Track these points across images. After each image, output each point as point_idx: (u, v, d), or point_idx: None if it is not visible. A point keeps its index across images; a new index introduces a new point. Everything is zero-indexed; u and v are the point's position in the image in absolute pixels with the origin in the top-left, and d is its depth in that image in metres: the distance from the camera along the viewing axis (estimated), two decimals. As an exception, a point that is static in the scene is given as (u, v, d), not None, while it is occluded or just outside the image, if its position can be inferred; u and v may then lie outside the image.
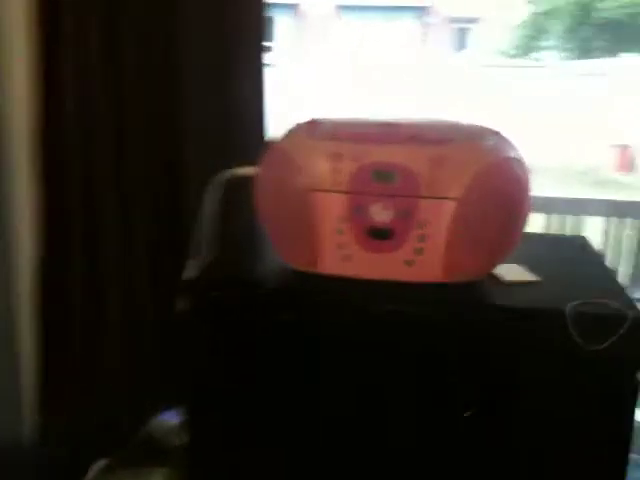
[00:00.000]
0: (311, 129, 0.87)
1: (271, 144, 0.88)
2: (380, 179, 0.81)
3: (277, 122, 1.17)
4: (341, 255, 0.84)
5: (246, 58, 1.16)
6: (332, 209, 0.83)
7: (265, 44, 1.20)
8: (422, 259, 0.83)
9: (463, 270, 0.84)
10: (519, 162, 0.83)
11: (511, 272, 0.88)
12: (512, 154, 0.83)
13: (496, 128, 0.87)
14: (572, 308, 0.79)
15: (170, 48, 1.07)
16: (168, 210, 1.09)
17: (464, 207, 0.80)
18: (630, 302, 0.81)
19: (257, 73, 1.18)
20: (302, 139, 0.86)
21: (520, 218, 0.83)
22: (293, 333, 0.86)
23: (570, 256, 1.00)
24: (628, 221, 1.76)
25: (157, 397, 1.17)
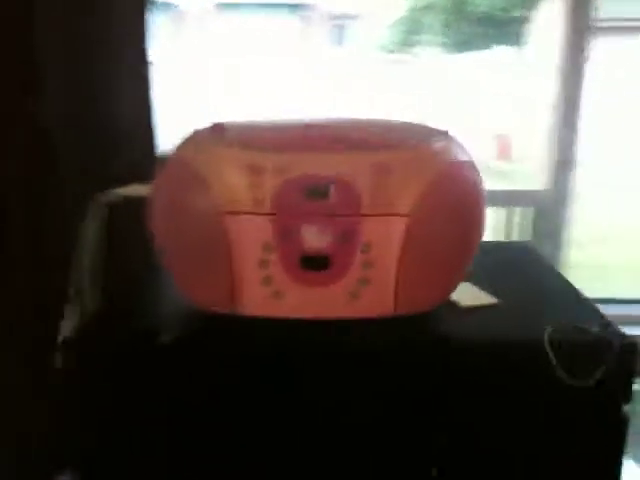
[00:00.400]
0: (217, 135, 0.69)
1: (168, 156, 0.69)
2: (312, 195, 0.64)
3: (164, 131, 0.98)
4: (267, 292, 0.67)
5: (128, 59, 0.96)
6: (252, 235, 0.65)
7: (147, 44, 1.00)
8: (368, 290, 0.67)
9: (417, 299, 0.69)
10: (472, 166, 0.69)
11: (466, 294, 0.74)
12: (464, 157, 0.69)
13: (441, 126, 0.73)
14: (550, 335, 0.66)
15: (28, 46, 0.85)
16: (37, 245, 0.87)
17: (416, 224, 0.65)
18: (608, 324, 0.70)
19: (141, 76, 0.98)
20: (208, 147, 0.67)
21: (477, 230, 0.69)
22: (205, 393, 0.68)
23: (520, 267, 0.89)
24: (517, 210, 1.70)
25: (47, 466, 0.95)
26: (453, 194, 0.67)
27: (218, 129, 0.69)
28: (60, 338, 0.73)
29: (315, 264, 0.66)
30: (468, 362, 0.68)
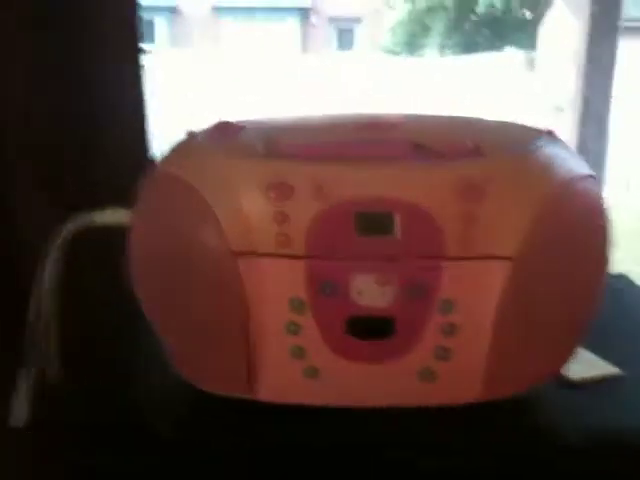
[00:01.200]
0: (225, 138, 0.47)
1: (155, 167, 0.47)
2: (368, 230, 0.43)
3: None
4: (297, 369, 0.45)
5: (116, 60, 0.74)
6: (277, 287, 0.44)
7: (140, 45, 0.78)
8: (448, 367, 0.45)
9: (518, 378, 0.47)
10: (594, 181, 0.48)
11: (576, 363, 0.52)
12: (582, 168, 0.47)
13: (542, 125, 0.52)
14: None
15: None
16: None
17: (522, 269, 0.43)
18: None
19: (133, 77, 0.76)
20: (211, 158, 0.46)
21: (603, 274, 0.48)
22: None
23: (632, 312, 0.67)
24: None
25: None
26: (574, 224, 0.45)
27: (225, 130, 0.48)
28: (11, 419, 0.52)
29: (370, 330, 0.44)
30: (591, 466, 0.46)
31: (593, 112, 1.05)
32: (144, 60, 0.77)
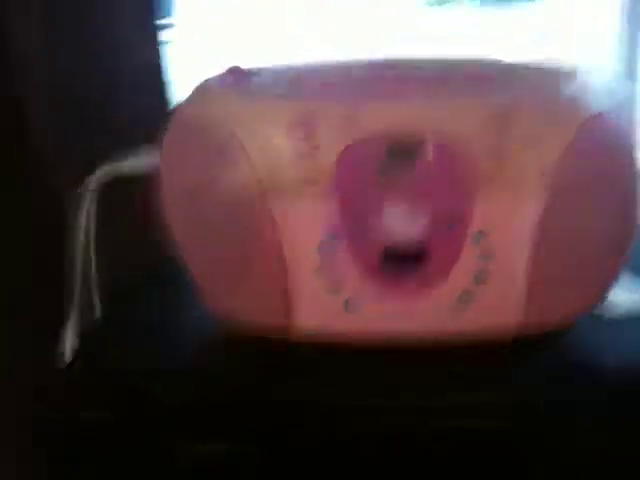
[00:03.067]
0: (242, 82, 0.47)
1: (178, 110, 0.47)
2: (400, 160, 0.43)
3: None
4: (334, 303, 0.46)
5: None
6: (310, 222, 0.44)
7: None
8: (488, 290, 0.45)
9: (556, 309, 0.47)
10: (624, 112, 0.47)
11: (615, 297, 0.52)
12: (614, 101, 0.46)
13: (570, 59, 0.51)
14: None
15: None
16: (14, 238, 0.65)
17: (557, 199, 0.43)
18: None
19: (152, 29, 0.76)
20: (233, 99, 0.45)
21: (638, 208, 0.47)
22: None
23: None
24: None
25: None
26: (607, 154, 0.44)
27: (239, 75, 0.47)
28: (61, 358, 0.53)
29: (404, 262, 0.44)
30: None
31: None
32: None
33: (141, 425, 0.48)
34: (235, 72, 0.49)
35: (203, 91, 0.48)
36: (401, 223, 0.43)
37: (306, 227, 0.44)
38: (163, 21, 0.82)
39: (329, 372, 0.47)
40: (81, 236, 0.55)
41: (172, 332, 0.53)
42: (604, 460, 0.46)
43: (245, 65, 0.51)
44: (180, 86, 0.76)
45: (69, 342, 0.51)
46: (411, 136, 0.42)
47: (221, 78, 0.49)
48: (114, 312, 0.56)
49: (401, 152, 0.43)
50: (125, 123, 0.68)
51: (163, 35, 0.78)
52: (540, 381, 0.46)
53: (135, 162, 0.52)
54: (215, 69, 0.51)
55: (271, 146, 0.43)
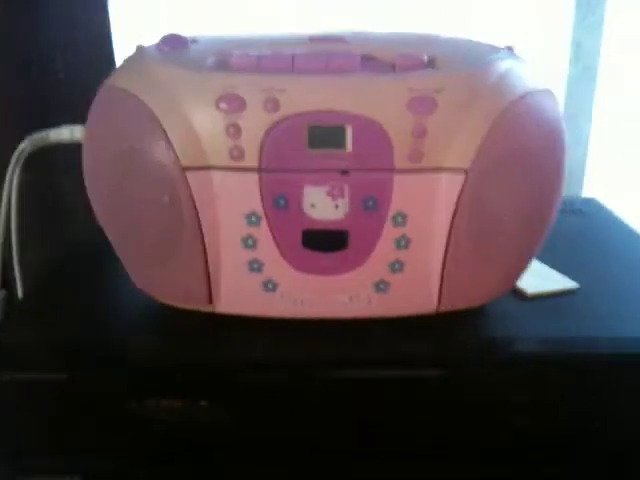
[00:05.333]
0: (175, 52, 0.46)
1: (103, 83, 0.47)
2: (320, 142, 0.43)
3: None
4: (254, 282, 0.46)
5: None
6: (231, 201, 0.44)
7: None
8: (402, 278, 0.46)
9: (471, 290, 0.48)
10: (551, 97, 0.47)
11: (533, 278, 0.53)
12: (538, 84, 0.47)
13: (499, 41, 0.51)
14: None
15: None
16: None
17: (474, 182, 0.44)
18: None
19: None
20: (159, 70, 0.45)
21: (558, 190, 0.48)
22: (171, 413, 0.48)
23: (596, 233, 0.67)
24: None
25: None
26: (527, 139, 0.45)
27: (173, 43, 0.47)
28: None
29: (324, 242, 0.45)
30: (544, 378, 0.48)
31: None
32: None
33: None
34: (171, 40, 0.48)
35: (132, 61, 0.47)
36: (321, 206, 0.44)
37: (228, 203, 0.44)
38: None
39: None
40: (11, 207, 0.55)
41: (101, 309, 0.53)
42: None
43: (185, 33, 0.50)
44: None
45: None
46: (333, 118, 0.42)
47: (156, 47, 0.48)
48: (41, 287, 0.55)
49: (325, 134, 0.43)
50: (62, 92, 0.67)
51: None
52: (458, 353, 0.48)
53: (64, 133, 0.51)
54: (154, 36, 0.50)
55: (195, 120, 0.43)
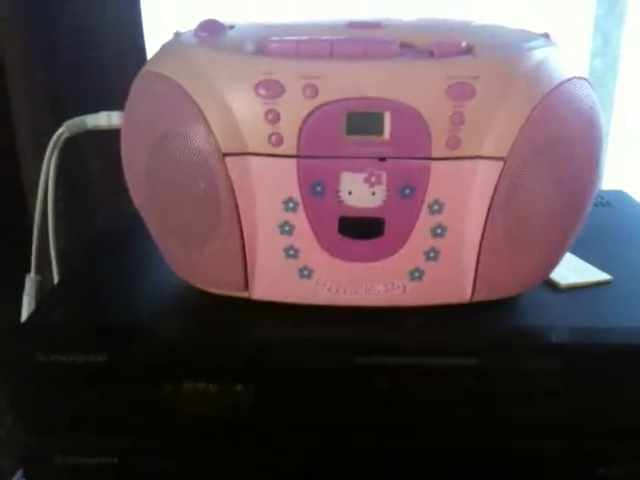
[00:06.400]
0: (212, 37, 0.47)
1: (141, 69, 0.47)
2: (357, 129, 0.43)
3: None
4: (291, 268, 0.47)
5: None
6: (268, 187, 0.45)
7: None
8: (437, 267, 0.46)
9: (506, 280, 0.48)
10: (588, 85, 0.47)
11: (566, 269, 0.53)
12: (576, 72, 0.47)
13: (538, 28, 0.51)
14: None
15: None
16: None
17: (512, 171, 0.44)
18: None
19: None
20: (197, 56, 0.45)
21: (595, 180, 0.48)
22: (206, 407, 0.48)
23: (628, 226, 0.67)
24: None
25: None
26: (565, 128, 0.45)
27: (210, 29, 0.47)
28: (22, 318, 0.54)
29: (360, 230, 0.45)
30: (577, 368, 0.48)
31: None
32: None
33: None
34: (209, 26, 0.48)
35: (170, 46, 0.48)
36: (358, 192, 0.44)
37: (265, 189, 0.44)
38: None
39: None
40: (49, 191, 0.55)
41: (136, 293, 0.53)
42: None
43: (222, 18, 0.50)
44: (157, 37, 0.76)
45: (28, 300, 0.52)
46: (371, 105, 0.43)
47: (193, 32, 0.48)
48: (77, 271, 0.56)
49: (363, 120, 0.43)
50: (99, 78, 0.68)
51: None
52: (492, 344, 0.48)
53: (101, 118, 0.52)
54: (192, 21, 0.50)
55: (234, 106, 0.43)
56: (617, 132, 1.08)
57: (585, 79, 0.47)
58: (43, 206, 0.54)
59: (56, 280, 0.57)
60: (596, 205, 0.69)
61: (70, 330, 0.49)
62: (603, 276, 0.54)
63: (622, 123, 1.07)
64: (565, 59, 0.47)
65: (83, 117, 0.52)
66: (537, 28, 0.51)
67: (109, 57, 0.68)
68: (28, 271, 0.55)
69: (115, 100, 0.51)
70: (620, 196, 0.75)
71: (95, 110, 0.52)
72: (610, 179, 1.07)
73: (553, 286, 0.52)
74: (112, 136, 0.50)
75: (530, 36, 0.48)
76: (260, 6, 0.92)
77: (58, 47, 0.68)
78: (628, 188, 0.78)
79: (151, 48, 0.75)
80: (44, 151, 0.52)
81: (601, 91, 1.05)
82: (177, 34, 0.48)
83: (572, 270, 0.54)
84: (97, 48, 0.70)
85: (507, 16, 0.99)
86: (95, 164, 0.62)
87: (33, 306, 0.54)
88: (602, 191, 0.81)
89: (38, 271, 0.56)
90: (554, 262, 0.49)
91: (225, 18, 0.50)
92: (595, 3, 1.01)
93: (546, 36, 0.48)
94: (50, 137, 0.52)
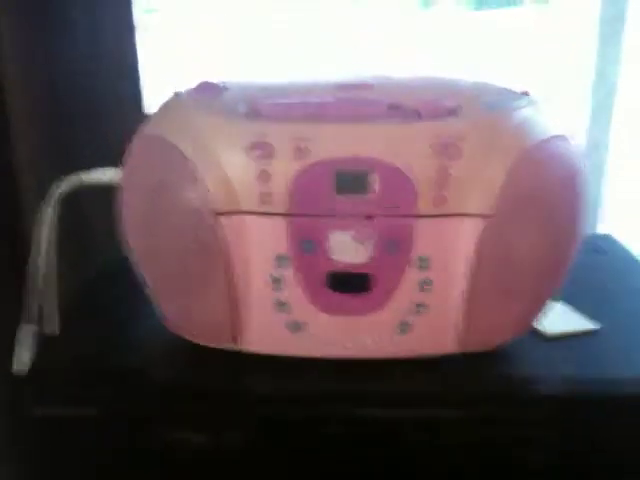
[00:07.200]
0: (208, 99, 0.49)
1: (140, 130, 0.49)
2: (346, 187, 0.44)
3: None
4: (281, 322, 0.48)
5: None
6: (260, 244, 0.46)
7: None
8: (424, 320, 0.47)
9: (492, 331, 0.49)
10: (568, 143, 0.49)
11: (552, 318, 0.54)
12: (557, 130, 0.48)
13: (519, 85, 0.53)
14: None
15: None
16: None
17: (495, 227, 0.45)
18: None
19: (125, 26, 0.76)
20: (193, 117, 0.47)
21: (577, 234, 0.49)
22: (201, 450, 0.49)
23: (616, 272, 0.68)
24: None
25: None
26: (547, 184, 0.46)
27: (207, 90, 0.49)
28: (15, 369, 0.54)
29: (349, 285, 0.46)
30: (562, 418, 0.49)
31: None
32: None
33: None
34: (205, 87, 0.50)
35: (168, 108, 0.50)
36: (346, 249, 0.45)
37: (257, 246, 0.46)
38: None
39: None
40: (42, 245, 0.56)
41: (130, 342, 0.55)
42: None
43: (216, 78, 0.52)
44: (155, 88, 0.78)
45: (25, 350, 0.53)
46: (358, 164, 0.44)
47: (190, 93, 0.50)
48: (72, 321, 0.57)
49: (351, 179, 0.44)
50: (97, 135, 0.70)
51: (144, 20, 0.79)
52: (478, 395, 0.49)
53: (98, 175, 0.53)
54: (188, 80, 0.52)
55: (227, 167, 0.45)
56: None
57: (565, 136, 0.48)
58: (38, 257, 0.55)
59: (52, 329, 0.57)
60: (585, 251, 0.70)
61: (65, 383, 0.50)
62: (590, 325, 0.55)
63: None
64: (547, 117, 0.49)
65: (78, 174, 0.53)
66: (519, 85, 0.52)
67: (106, 106, 0.70)
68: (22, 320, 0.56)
69: (111, 151, 0.52)
70: (608, 240, 0.77)
71: (92, 162, 0.54)
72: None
73: (541, 335, 0.53)
74: (107, 190, 0.51)
75: (512, 94, 0.50)
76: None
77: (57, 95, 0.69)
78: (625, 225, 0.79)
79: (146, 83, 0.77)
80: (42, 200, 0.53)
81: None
82: (175, 94, 0.50)
83: (559, 319, 0.55)
84: (95, 97, 0.72)
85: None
86: (92, 216, 0.63)
87: (28, 355, 0.55)
88: (589, 236, 0.82)
89: (31, 320, 0.56)
90: (539, 312, 0.50)
91: (218, 72, 0.52)
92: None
93: (527, 94, 0.50)
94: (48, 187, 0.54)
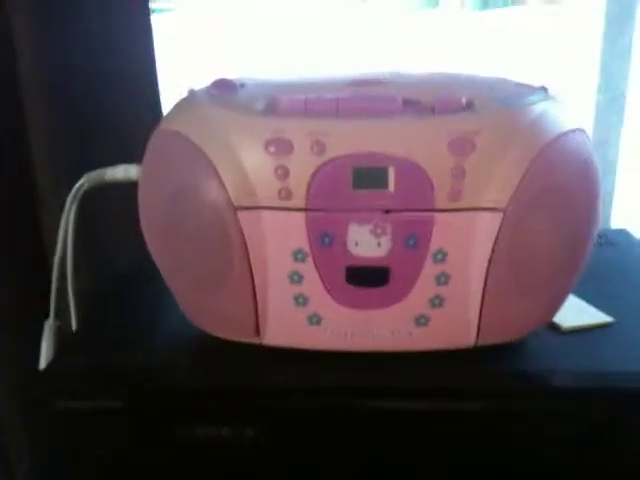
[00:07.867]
0: (224, 96, 0.49)
1: (157, 127, 0.50)
2: (364, 183, 0.45)
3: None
4: (300, 316, 0.48)
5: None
6: (279, 239, 0.47)
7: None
8: (442, 313, 0.48)
9: (509, 325, 0.49)
10: (585, 137, 0.49)
11: (568, 312, 0.54)
12: (574, 124, 0.49)
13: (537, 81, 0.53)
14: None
15: None
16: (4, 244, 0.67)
17: (512, 221, 0.46)
18: None
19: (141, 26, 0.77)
20: (211, 113, 0.47)
21: (593, 228, 0.49)
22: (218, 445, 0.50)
23: (631, 266, 0.68)
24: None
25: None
26: (562, 178, 0.47)
27: (224, 87, 0.50)
28: (41, 364, 0.56)
29: (367, 278, 0.47)
30: (578, 411, 0.49)
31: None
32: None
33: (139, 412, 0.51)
34: (221, 84, 0.51)
35: (185, 105, 0.50)
36: (364, 243, 0.46)
37: (276, 241, 0.46)
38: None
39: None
40: (69, 242, 0.57)
41: (151, 339, 0.55)
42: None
43: (232, 75, 0.53)
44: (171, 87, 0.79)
45: (46, 345, 0.54)
46: (376, 160, 0.45)
47: (206, 90, 0.51)
48: (94, 317, 0.58)
49: (369, 175, 0.45)
50: (119, 132, 0.71)
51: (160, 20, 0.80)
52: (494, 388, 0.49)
53: (119, 172, 0.54)
54: (204, 77, 0.53)
55: (245, 162, 0.45)
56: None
57: (581, 130, 0.49)
58: (62, 255, 0.56)
59: (74, 326, 0.58)
60: (599, 245, 0.70)
61: (87, 377, 0.51)
62: (605, 318, 0.55)
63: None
64: (562, 112, 0.49)
65: (102, 169, 0.54)
66: (536, 80, 0.53)
67: (126, 108, 0.71)
68: (47, 317, 0.57)
69: (131, 151, 0.53)
70: (623, 235, 0.77)
71: (109, 161, 0.55)
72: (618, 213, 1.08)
73: (555, 329, 0.54)
74: (130, 187, 0.52)
75: (528, 89, 0.50)
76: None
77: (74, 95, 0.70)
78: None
79: (165, 91, 0.78)
80: (63, 199, 0.54)
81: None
82: (191, 92, 0.50)
83: (574, 312, 0.55)
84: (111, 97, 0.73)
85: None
86: (113, 213, 0.64)
87: (52, 352, 0.56)
88: (604, 230, 0.82)
89: (56, 317, 0.58)
90: (557, 305, 0.51)
91: (235, 71, 0.52)
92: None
93: (544, 89, 0.50)
94: (70, 188, 0.55)
